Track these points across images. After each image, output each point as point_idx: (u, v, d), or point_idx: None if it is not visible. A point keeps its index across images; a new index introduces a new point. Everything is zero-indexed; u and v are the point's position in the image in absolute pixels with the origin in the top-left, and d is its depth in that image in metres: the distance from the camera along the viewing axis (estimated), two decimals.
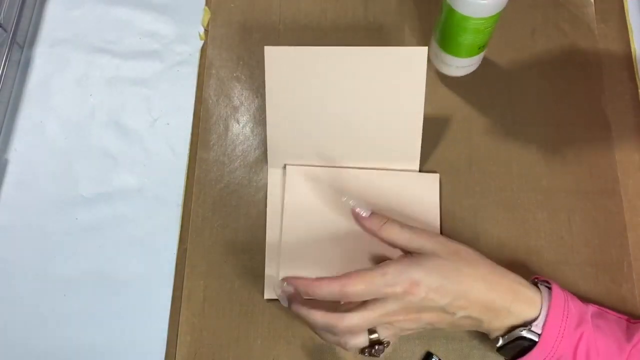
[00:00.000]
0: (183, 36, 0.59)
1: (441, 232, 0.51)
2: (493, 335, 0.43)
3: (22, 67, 0.59)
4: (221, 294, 0.50)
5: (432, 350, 0.48)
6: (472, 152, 0.54)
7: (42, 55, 0.59)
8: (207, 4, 0.60)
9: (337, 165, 0.52)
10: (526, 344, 0.41)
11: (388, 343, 0.43)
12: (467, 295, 0.41)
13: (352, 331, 0.41)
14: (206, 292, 0.50)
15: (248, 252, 0.51)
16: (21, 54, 0.59)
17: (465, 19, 0.48)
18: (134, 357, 0.49)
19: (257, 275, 0.50)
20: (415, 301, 0.40)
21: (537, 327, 0.41)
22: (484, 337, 0.48)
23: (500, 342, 0.43)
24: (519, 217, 0.52)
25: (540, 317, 0.41)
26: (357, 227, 0.50)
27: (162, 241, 0.52)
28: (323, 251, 0.49)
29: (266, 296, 0.50)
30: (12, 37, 0.57)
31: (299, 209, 0.51)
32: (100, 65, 0.59)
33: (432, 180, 0.52)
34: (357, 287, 0.40)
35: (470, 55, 0.53)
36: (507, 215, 0.52)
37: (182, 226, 0.52)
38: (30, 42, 0.60)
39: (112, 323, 0.50)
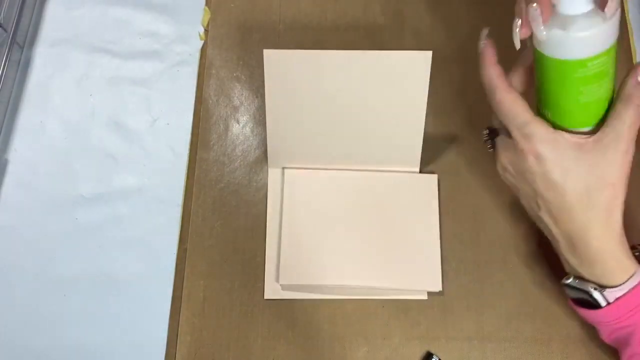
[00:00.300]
0: (183, 36, 0.59)
1: (441, 233, 0.51)
2: (564, 264, 0.42)
3: (22, 67, 0.59)
4: (221, 294, 0.50)
5: (432, 350, 0.48)
6: (472, 152, 0.54)
7: (42, 55, 0.59)
8: (207, 4, 0.60)
9: (337, 167, 0.52)
10: (591, 299, 0.39)
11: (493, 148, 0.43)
12: (564, 213, 0.38)
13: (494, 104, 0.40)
14: (206, 292, 0.50)
15: (248, 252, 0.51)
16: (21, 54, 0.59)
17: (577, 64, 0.35)
18: (134, 357, 0.49)
19: (257, 275, 0.50)
20: (523, 167, 0.39)
21: (610, 294, 0.38)
22: (484, 337, 0.48)
23: (569, 281, 0.41)
24: (519, 217, 0.52)
25: (621, 287, 0.38)
26: (355, 228, 0.50)
27: (162, 241, 0.52)
28: (322, 252, 0.49)
29: (266, 296, 0.50)
30: (12, 37, 0.57)
31: (298, 212, 0.51)
32: (100, 65, 0.59)
33: (431, 181, 0.52)
34: (499, 97, 0.39)
35: (601, 113, 0.38)
36: (507, 216, 0.52)
37: (182, 226, 0.52)
38: (30, 42, 0.60)
39: (112, 323, 0.50)
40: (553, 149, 0.38)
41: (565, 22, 0.35)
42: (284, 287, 0.50)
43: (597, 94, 0.37)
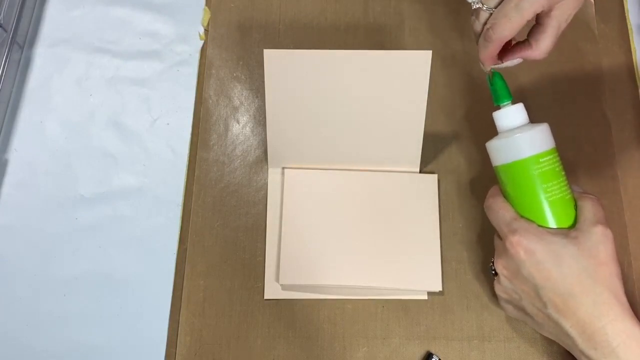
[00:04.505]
0: (183, 36, 0.59)
1: (441, 233, 0.51)
2: None
3: (22, 67, 0.59)
4: (221, 294, 0.50)
5: (432, 350, 0.48)
6: (472, 152, 0.54)
7: (42, 55, 0.59)
8: (207, 4, 0.60)
9: (337, 167, 0.52)
10: None
11: (496, 273, 0.44)
12: (569, 301, 0.38)
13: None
14: (206, 292, 0.50)
15: (248, 252, 0.51)
16: (21, 54, 0.59)
17: (532, 160, 0.42)
18: (134, 357, 0.49)
19: (257, 275, 0.50)
20: (517, 263, 0.40)
21: None
22: (484, 337, 0.48)
23: None
24: None
25: None
26: (355, 228, 0.50)
27: (162, 241, 0.52)
28: (322, 252, 0.49)
29: (266, 296, 0.50)
30: (12, 37, 0.57)
31: (298, 212, 0.51)
32: (100, 65, 0.59)
33: (431, 181, 0.52)
34: (489, 202, 0.44)
35: (571, 214, 0.42)
36: None
37: (182, 226, 0.52)
38: (30, 42, 0.60)
39: (112, 323, 0.50)
40: (540, 239, 0.40)
41: (509, 133, 0.43)
42: (284, 287, 0.50)
43: (559, 192, 0.41)
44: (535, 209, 0.42)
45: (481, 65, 0.45)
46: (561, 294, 0.39)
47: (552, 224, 0.41)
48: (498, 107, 0.44)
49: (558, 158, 0.43)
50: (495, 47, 0.42)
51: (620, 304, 0.38)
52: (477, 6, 0.42)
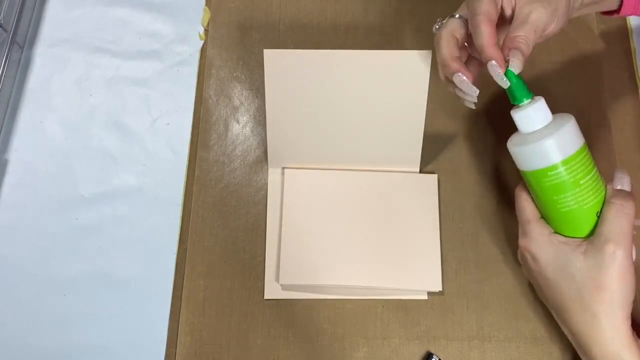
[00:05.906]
0: (183, 36, 0.59)
1: (441, 233, 0.51)
2: None
3: (22, 67, 0.59)
4: (221, 294, 0.50)
5: (432, 350, 0.48)
6: (472, 152, 0.54)
7: (42, 55, 0.59)
8: (207, 4, 0.60)
9: (337, 167, 0.52)
10: None
11: None
12: (562, 312, 0.40)
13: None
14: (206, 292, 0.50)
15: (248, 252, 0.51)
16: (21, 54, 0.59)
17: (541, 173, 0.39)
18: (134, 357, 0.49)
19: (257, 275, 0.50)
20: (526, 263, 0.42)
21: None
22: (484, 337, 0.48)
23: None
24: None
25: None
26: (355, 228, 0.50)
27: (162, 241, 0.52)
28: (322, 252, 0.49)
29: (266, 296, 0.50)
30: (12, 37, 0.57)
31: (298, 212, 0.51)
32: (100, 65, 0.59)
33: (431, 181, 0.52)
34: (516, 193, 0.43)
35: (590, 223, 0.39)
36: (507, 216, 0.52)
37: (182, 226, 0.52)
38: (30, 42, 0.60)
39: (112, 323, 0.50)
40: (547, 249, 0.40)
41: (523, 138, 0.39)
42: (284, 287, 0.50)
43: (573, 203, 0.39)
44: (552, 215, 0.40)
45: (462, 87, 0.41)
46: (557, 306, 0.40)
47: (566, 232, 0.40)
48: (515, 105, 0.40)
49: (588, 155, 0.39)
50: (486, 21, 0.38)
51: (613, 328, 0.37)
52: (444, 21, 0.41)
